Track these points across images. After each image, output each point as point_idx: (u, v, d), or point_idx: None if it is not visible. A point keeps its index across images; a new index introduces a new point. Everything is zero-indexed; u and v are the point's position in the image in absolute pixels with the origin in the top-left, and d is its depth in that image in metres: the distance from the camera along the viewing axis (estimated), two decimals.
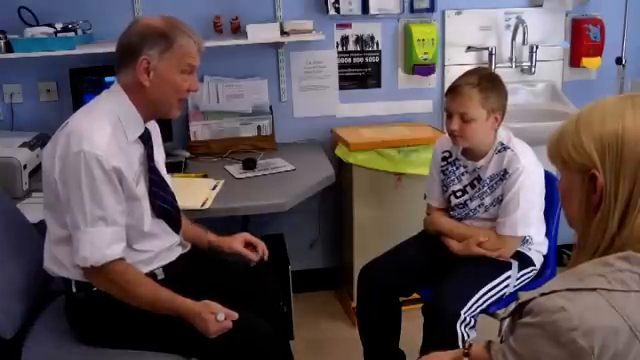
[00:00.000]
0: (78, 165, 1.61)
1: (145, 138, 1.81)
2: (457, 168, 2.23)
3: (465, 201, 2.22)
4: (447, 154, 2.26)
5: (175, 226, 1.92)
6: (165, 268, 1.87)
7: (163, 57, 1.72)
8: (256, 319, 1.82)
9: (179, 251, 1.95)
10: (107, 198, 1.65)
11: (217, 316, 1.68)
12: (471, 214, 2.21)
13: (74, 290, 1.77)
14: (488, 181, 2.15)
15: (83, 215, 1.64)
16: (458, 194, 2.23)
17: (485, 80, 2.06)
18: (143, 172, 1.80)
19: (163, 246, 1.87)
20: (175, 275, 1.88)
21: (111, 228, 1.68)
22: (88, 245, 1.65)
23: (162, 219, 1.86)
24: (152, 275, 1.83)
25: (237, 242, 2.05)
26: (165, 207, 1.86)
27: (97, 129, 1.67)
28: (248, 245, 2.08)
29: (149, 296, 1.72)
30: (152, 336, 1.77)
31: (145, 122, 1.80)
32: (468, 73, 2.13)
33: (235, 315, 1.70)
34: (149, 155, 1.82)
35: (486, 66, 3.06)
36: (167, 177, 1.95)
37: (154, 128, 1.92)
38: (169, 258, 1.90)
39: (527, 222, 2.11)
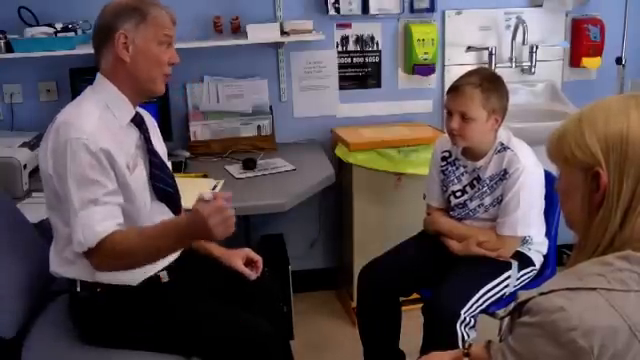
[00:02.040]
0: (65, 154, 1.60)
1: (138, 122, 1.80)
2: (457, 168, 2.23)
3: (465, 201, 2.22)
4: (447, 154, 2.26)
5: (176, 208, 1.88)
6: (168, 270, 1.86)
7: (139, 29, 1.70)
8: (256, 319, 1.82)
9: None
10: (96, 181, 1.62)
11: (204, 195, 1.52)
12: (471, 214, 2.21)
13: (78, 289, 1.77)
14: (488, 181, 2.15)
15: (75, 201, 1.60)
16: (458, 194, 2.23)
17: (487, 81, 2.06)
18: (141, 155, 1.78)
19: None
20: (178, 277, 1.88)
21: (101, 207, 1.62)
22: (80, 227, 1.60)
23: (163, 202, 1.83)
24: (156, 278, 1.82)
25: (238, 259, 2.01)
26: (166, 189, 1.84)
27: (84, 115, 1.65)
28: (249, 261, 2.03)
29: (150, 255, 1.67)
30: (153, 336, 1.77)
31: (134, 106, 1.79)
32: (470, 73, 2.13)
33: (227, 194, 1.57)
34: (146, 138, 1.81)
35: (486, 66, 3.06)
36: (168, 163, 1.94)
37: (151, 123, 1.91)
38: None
39: (527, 222, 2.11)
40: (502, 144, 2.12)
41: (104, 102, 1.72)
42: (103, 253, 1.62)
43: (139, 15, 1.71)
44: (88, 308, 1.78)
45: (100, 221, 1.61)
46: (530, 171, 2.08)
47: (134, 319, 1.76)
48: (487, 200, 2.16)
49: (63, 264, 1.77)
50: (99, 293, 1.75)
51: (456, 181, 2.23)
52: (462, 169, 2.21)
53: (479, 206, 2.19)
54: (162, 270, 1.85)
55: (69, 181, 1.60)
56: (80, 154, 1.59)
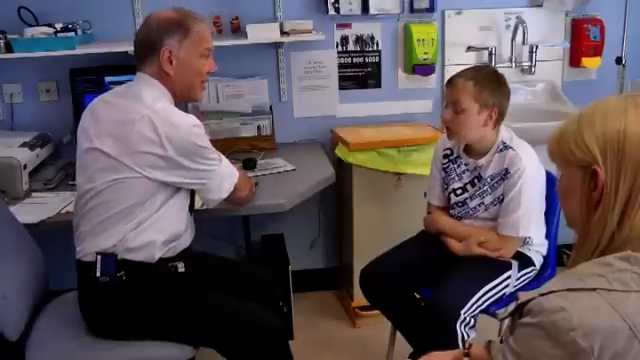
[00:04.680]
0: (191, 139, 1.82)
1: None
2: (458, 166, 2.23)
3: (465, 199, 2.22)
4: (449, 152, 2.27)
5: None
6: (185, 261, 1.95)
7: (182, 45, 1.86)
8: (268, 313, 1.92)
9: (189, 236, 2.01)
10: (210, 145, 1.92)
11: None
12: (471, 213, 2.21)
13: (98, 274, 1.80)
14: (489, 180, 2.15)
15: (214, 160, 1.92)
16: (458, 192, 2.24)
17: (482, 76, 2.09)
18: None
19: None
20: (192, 268, 1.96)
21: (223, 156, 1.98)
22: (228, 170, 1.97)
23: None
24: (174, 267, 1.92)
25: None
26: None
27: (173, 107, 1.87)
28: None
29: (249, 184, 2.17)
30: (162, 326, 1.83)
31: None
32: (468, 68, 2.17)
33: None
34: None
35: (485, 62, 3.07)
36: None
37: None
38: (186, 240, 1.98)
39: (528, 222, 2.10)
40: (504, 143, 2.12)
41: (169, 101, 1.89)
42: (243, 178, 2.06)
43: (183, 31, 1.85)
44: (104, 295, 1.82)
45: (230, 163, 2.02)
46: (532, 171, 2.08)
47: (148, 308, 1.83)
48: (488, 199, 2.17)
49: (105, 239, 1.81)
50: (118, 278, 1.80)
51: (457, 179, 2.23)
52: (464, 167, 2.22)
53: (479, 205, 2.19)
54: (179, 261, 1.93)
55: (205, 150, 1.87)
56: (204, 133, 1.87)
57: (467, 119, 2.08)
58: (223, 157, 1.98)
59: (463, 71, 2.14)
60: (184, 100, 1.98)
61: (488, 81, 2.08)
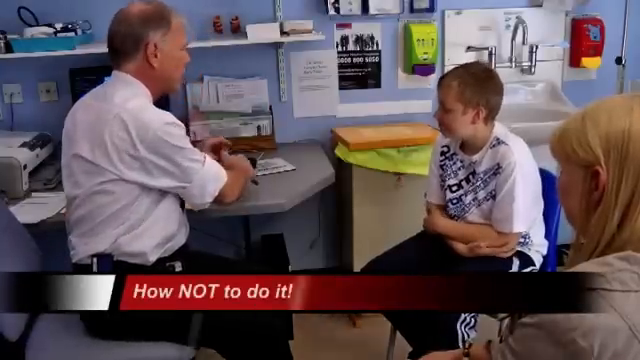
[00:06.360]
0: (163, 137, 1.76)
1: None
2: (454, 163, 2.24)
3: (460, 196, 2.22)
4: (446, 149, 2.28)
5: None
6: (182, 261, 1.94)
7: (166, 38, 1.83)
8: (264, 312, 1.88)
9: (183, 234, 2.00)
10: (194, 149, 1.89)
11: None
12: (466, 210, 2.21)
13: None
14: (482, 175, 2.15)
15: (195, 162, 1.85)
16: (453, 188, 2.24)
17: (468, 75, 2.09)
18: None
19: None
20: (189, 267, 1.95)
21: (209, 160, 1.92)
22: (211, 175, 1.91)
23: None
24: (172, 267, 1.91)
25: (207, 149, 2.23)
26: None
27: (150, 107, 1.82)
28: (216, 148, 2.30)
29: (239, 189, 2.10)
30: (161, 326, 1.82)
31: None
32: (458, 67, 2.18)
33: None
34: None
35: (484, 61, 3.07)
36: None
37: None
38: (180, 239, 1.96)
39: (524, 217, 2.09)
40: (497, 139, 2.13)
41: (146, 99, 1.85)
42: (231, 183, 1.98)
43: (166, 24, 1.83)
44: None
45: (219, 166, 1.97)
46: (522, 165, 2.07)
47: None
48: (481, 194, 2.17)
49: (99, 241, 1.80)
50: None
51: (452, 175, 2.24)
52: (459, 163, 2.22)
53: (473, 200, 2.19)
54: (176, 260, 1.92)
55: (183, 150, 1.81)
56: (182, 133, 1.83)
57: (454, 118, 2.10)
58: (208, 159, 1.92)
59: (452, 70, 2.16)
60: (162, 93, 1.95)
61: (474, 79, 2.08)
